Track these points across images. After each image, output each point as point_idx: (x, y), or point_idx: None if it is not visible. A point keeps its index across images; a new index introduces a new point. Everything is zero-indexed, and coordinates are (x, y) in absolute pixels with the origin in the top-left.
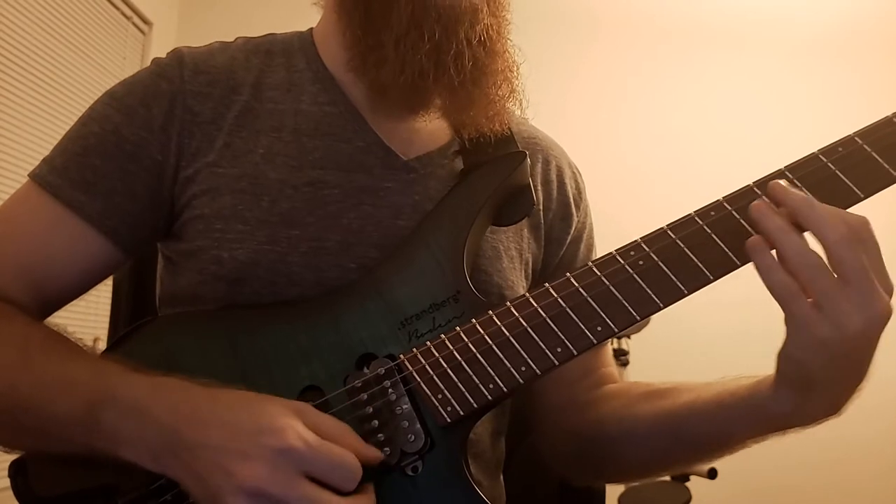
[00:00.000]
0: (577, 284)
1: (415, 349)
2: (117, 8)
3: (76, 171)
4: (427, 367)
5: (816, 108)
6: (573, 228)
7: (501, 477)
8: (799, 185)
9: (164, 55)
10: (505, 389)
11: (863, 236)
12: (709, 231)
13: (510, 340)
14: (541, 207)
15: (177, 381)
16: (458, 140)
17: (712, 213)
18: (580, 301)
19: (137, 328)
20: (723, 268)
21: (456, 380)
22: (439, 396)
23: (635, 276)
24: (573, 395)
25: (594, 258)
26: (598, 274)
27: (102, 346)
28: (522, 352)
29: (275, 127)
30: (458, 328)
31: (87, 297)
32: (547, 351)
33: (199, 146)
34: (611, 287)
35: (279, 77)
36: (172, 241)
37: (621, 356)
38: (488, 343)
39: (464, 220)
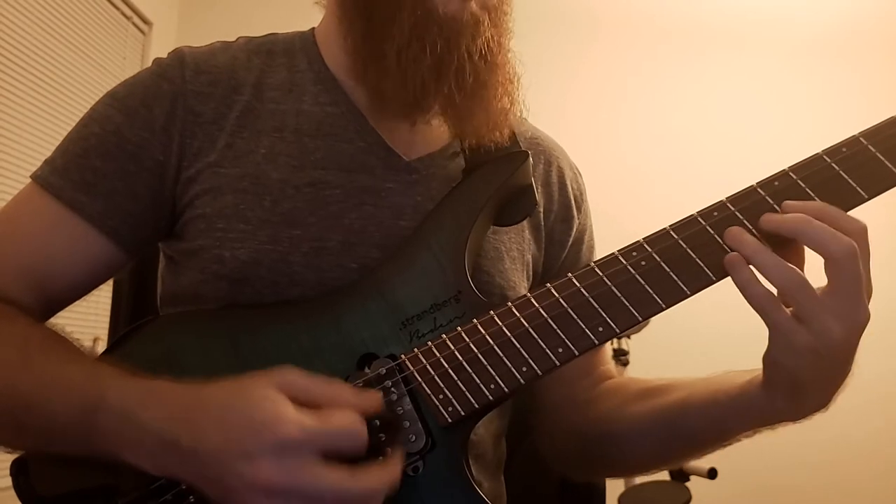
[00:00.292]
0: (578, 285)
1: (416, 349)
2: (117, 8)
3: (77, 171)
4: (428, 366)
5: (816, 108)
6: (574, 230)
7: (502, 477)
8: (780, 209)
9: (164, 55)
10: (506, 389)
11: (863, 247)
12: (711, 232)
13: (511, 341)
14: (541, 209)
15: (166, 384)
16: (459, 140)
17: (715, 213)
18: (582, 301)
19: (138, 328)
20: (725, 269)
21: (457, 380)
22: (440, 396)
23: (637, 276)
24: (572, 393)
25: (596, 258)
26: (600, 274)
27: (102, 346)
28: (524, 352)
29: (276, 127)
30: (459, 328)
31: (88, 297)
32: (548, 351)
33: (200, 146)
34: (613, 287)
35: (280, 77)
36: (174, 241)
37: (621, 356)
38: (489, 343)
39: (465, 219)
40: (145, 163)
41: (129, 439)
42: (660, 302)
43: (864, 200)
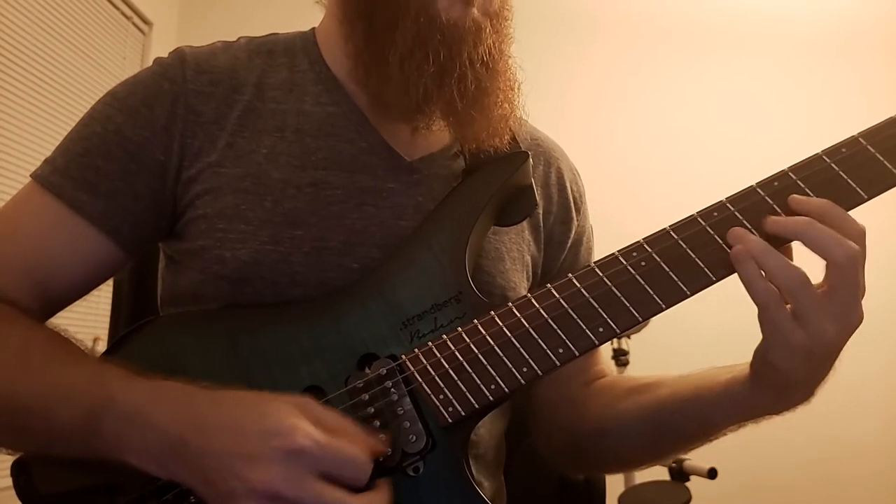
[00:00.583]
0: (578, 285)
1: (416, 349)
2: (117, 8)
3: (78, 171)
4: (428, 367)
5: (816, 108)
6: (573, 232)
7: (502, 477)
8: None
9: (164, 55)
10: (506, 390)
11: (861, 250)
12: (711, 232)
13: (512, 341)
14: (541, 210)
15: (178, 386)
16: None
17: (715, 213)
18: (582, 302)
19: (139, 328)
20: (725, 269)
21: (457, 380)
22: (441, 397)
23: (637, 276)
24: (568, 392)
25: (595, 259)
26: (601, 274)
27: (103, 346)
28: (524, 352)
29: (278, 127)
30: (459, 328)
31: (88, 297)
32: (548, 351)
33: (201, 146)
34: (613, 288)
35: (281, 77)
36: (175, 241)
37: (621, 356)
38: (490, 343)
39: (466, 220)
40: (146, 162)
41: (134, 441)
42: (660, 302)
43: (863, 201)
